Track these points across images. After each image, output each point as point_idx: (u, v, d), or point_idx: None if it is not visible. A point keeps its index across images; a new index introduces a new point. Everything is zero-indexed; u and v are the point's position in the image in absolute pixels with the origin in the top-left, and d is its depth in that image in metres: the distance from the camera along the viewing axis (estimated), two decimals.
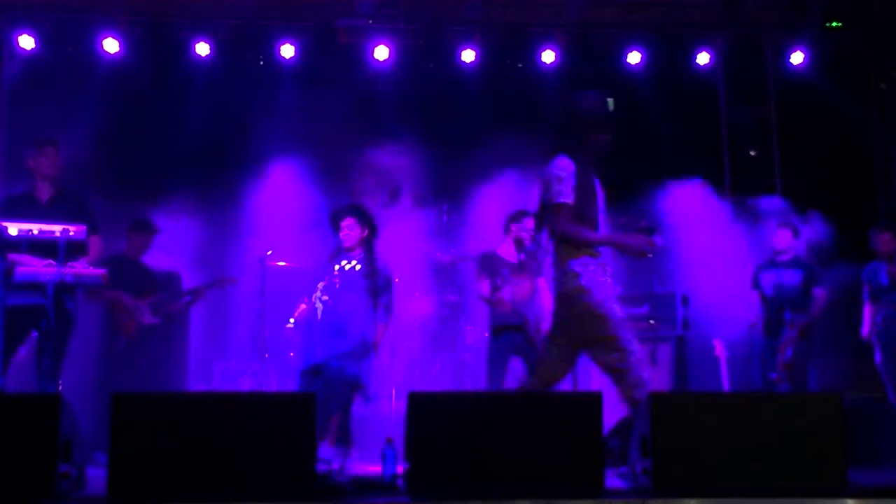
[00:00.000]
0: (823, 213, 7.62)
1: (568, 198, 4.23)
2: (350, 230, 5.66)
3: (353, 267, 5.62)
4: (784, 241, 6.72)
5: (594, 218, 4.31)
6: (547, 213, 4.36)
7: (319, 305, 5.60)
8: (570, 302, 4.27)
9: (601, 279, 4.25)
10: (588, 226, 4.27)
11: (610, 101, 4.44)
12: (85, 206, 5.58)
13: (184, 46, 8.05)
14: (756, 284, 6.76)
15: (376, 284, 5.60)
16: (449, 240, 8.33)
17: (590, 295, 4.22)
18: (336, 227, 5.73)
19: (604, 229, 4.35)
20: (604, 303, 4.21)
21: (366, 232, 5.70)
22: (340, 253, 5.70)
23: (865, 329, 6.86)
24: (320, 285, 5.66)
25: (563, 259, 4.31)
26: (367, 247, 5.69)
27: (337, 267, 5.66)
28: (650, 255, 4.26)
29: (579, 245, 4.26)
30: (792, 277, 6.62)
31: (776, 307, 6.57)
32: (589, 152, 4.40)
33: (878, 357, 6.80)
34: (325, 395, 5.20)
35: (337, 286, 5.59)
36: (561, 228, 4.26)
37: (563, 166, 4.29)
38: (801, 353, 6.47)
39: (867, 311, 6.89)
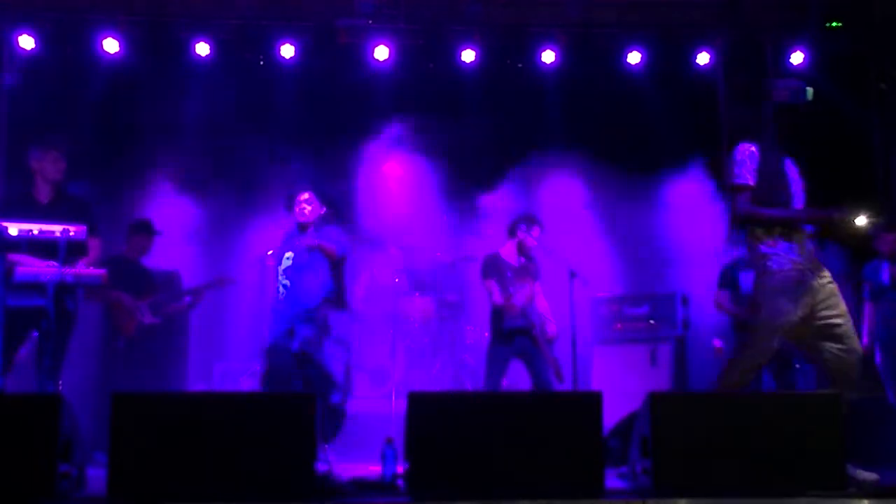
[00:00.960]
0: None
1: (745, 180, 4.34)
2: (308, 203, 5.47)
3: (305, 245, 5.41)
4: None
5: (783, 199, 4.36)
6: (729, 195, 4.48)
7: (282, 290, 5.43)
8: (755, 285, 4.40)
9: (784, 268, 4.29)
10: (782, 208, 4.34)
11: (809, 90, 4.48)
12: (84, 206, 5.57)
13: (184, 46, 8.05)
14: (729, 283, 6.66)
15: (333, 258, 5.40)
16: (449, 240, 8.33)
17: (763, 282, 4.32)
18: (291, 204, 5.51)
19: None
20: (774, 294, 4.27)
21: (323, 209, 5.51)
22: (296, 233, 5.51)
23: (865, 339, 6.82)
24: (280, 268, 5.46)
25: (753, 242, 4.40)
26: (323, 225, 5.50)
27: (289, 253, 5.46)
28: (836, 222, 4.42)
29: (763, 224, 4.34)
30: None
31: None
32: (783, 138, 4.48)
33: (878, 357, 6.79)
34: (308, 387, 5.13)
35: (293, 267, 5.40)
36: (738, 209, 4.35)
37: (742, 150, 4.40)
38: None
39: (867, 310, 6.87)
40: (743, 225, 4.42)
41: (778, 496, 3.65)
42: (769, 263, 4.32)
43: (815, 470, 3.77)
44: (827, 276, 4.38)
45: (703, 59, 8.46)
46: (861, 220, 4.39)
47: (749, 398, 4.16)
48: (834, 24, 8.45)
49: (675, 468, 3.73)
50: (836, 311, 4.31)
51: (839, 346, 4.28)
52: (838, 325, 4.29)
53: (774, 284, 4.30)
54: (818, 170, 8.88)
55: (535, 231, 6.20)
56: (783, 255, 4.31)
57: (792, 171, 4.49)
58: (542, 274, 6.31)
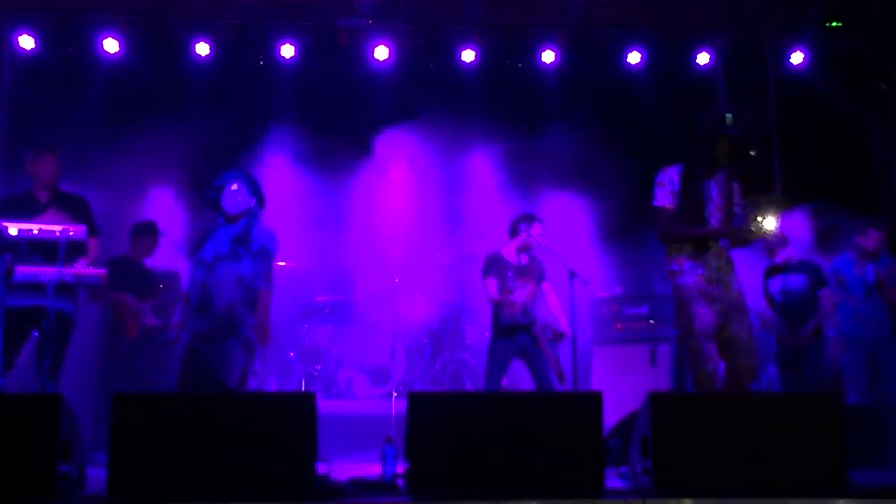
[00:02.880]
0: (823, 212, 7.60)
1: (662, 202, 4.69)
2: (239, 195, 5.15)
3: (229, 237, 5.12)
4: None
5: (698, 219, 4.63)
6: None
7: (198, 283, 5.07)
8: (674, 301, 4.69)
9: (690, 282, 4.57)
10: (696, 227, 4.62)
11: (728, 116, 4.78)
12: (83, 205, 5.57)
13: (184, 46, 8.05)
14: (765, 293, 6.66)
15: (250, 252, 5.08)
16: (449, 240, 8.33)
17: (676, 295, 4.62)
18: (217, 196, 5.19)
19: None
20: (686, 304, 4.55)
21: (252, 202, 5.21)
22: (218, 226, 5.22)
23: (810, 326, 6.62)
24: (199, 259, 5.12)
25: (667, 259, 4.71)
26: (250, 217, 5.18)
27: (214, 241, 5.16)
28: (748, 240, 4.70)
29: (677, 241, 4.65)
30: (797, 282, 6.51)
31: (785, 314, 6.50)
32: (705, 163, 4.74)
33: (842, 355, 6.76)
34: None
35: (209, 261, 5.07)
36: (657, 229, 4.71)
37: (662, 173, 4.74)
38: (812, 355, 6.41)
39: (827, 297, 6.77)
40: (661, 243, 4.73)
41: (778, 496, 3.65)
42: (677, 280, 4.62)
43: (815, 470, 3.77)
44: (735, 290, 4.62)
45: (703, 59, 8.47)
46: (769, 225, 4.54)
47: (749, 398, 4.16)
48: (834, 24, 8.45)
49: (675, 468, 3.74)
50: (739, 324, 4.54)
51: (735, 360, 4.49)
52: (739, 339, 4.52)
53: (684, 296, 4.57)
54: (818, 170, 8.94)
55: (536, 228, 6.21)
56: (689, 272, 4.58)
57: (715, 191, 4.70)
58: (547, 274, 6.31)
